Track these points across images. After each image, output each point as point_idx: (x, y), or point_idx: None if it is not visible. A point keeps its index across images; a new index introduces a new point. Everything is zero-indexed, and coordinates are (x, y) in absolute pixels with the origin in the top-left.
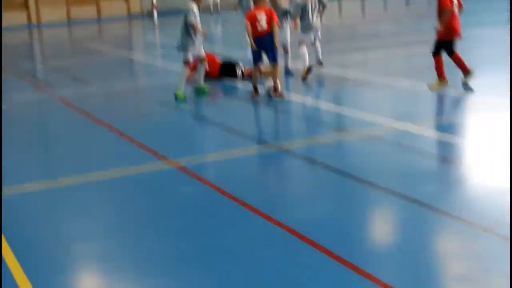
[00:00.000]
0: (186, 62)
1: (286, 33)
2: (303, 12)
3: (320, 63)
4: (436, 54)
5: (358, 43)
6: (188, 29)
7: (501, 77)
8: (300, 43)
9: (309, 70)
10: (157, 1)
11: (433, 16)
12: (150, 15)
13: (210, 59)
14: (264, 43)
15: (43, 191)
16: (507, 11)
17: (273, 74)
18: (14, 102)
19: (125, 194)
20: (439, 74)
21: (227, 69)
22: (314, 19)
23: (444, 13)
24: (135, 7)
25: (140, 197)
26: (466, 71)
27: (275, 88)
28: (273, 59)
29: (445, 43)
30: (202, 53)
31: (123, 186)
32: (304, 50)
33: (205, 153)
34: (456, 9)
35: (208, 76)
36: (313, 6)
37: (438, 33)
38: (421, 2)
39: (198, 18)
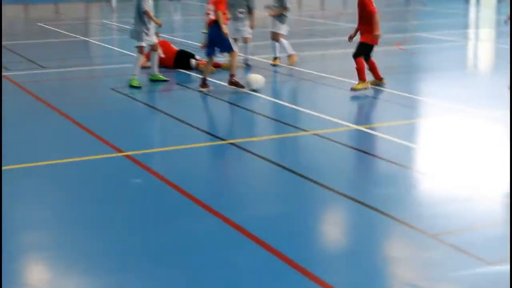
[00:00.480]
0: (140, 49)
1: (244, 24)
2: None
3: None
4: (358, 56)
5: (316, 39)
6: (142, 16)
7: (453, 82)
8: (276, 34)
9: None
10: None
11: (392, 16)
12: None
13: (165, 45)
14: (212, 33)
15: None
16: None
17: (230, 63)
18: None
19: (73, 184)
20: (361, 76)
21: (182, 59)
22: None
23: (374, 18)
24: None
25: (88, 188)
26: (378, 78)
27: (231, 77)
28: (226, 49)
29: (368, 47)
30: (155, 40)
31: (71, 175)
32: (284, 40)
33: (157, 144)
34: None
35: (163, 63)
36: None
37: (364, 36)
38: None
39: (150, 5)
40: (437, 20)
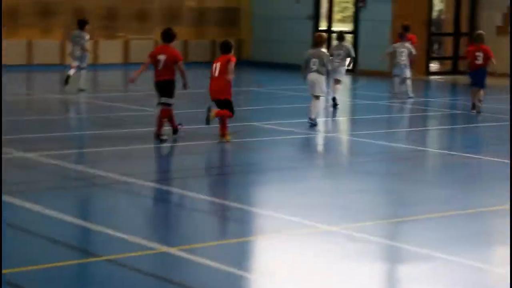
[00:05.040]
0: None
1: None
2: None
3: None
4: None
5: (115, 130)
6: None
7: (292, 187)
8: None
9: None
10: None
11: None
12: None
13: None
14: (480, 74)
15: None
16: None
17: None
18: None
19: None
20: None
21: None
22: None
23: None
24: None
25: None
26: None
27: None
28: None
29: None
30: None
31: None
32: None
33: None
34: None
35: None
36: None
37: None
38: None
39: None
40: (276, 105)
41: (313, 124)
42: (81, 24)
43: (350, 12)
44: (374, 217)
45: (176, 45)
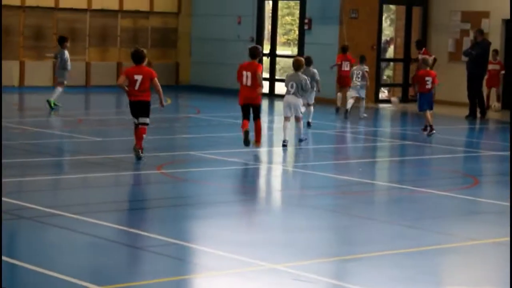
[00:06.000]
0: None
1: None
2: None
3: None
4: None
5: (43, 158)
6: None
7: (237, 222)
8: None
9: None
10: None
11: (155, 127)
12: None
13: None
14: (429, 97)
15: None
16: None
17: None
18: None
19: None
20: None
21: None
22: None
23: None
24: None
25: None
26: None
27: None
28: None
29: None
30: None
31: None
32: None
33: None
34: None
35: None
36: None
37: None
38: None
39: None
40: (216, 133)
41: (301, 140)
42: (60, 41)
43: (294, 35)
44: (320, 255)
45: (108, 68)
